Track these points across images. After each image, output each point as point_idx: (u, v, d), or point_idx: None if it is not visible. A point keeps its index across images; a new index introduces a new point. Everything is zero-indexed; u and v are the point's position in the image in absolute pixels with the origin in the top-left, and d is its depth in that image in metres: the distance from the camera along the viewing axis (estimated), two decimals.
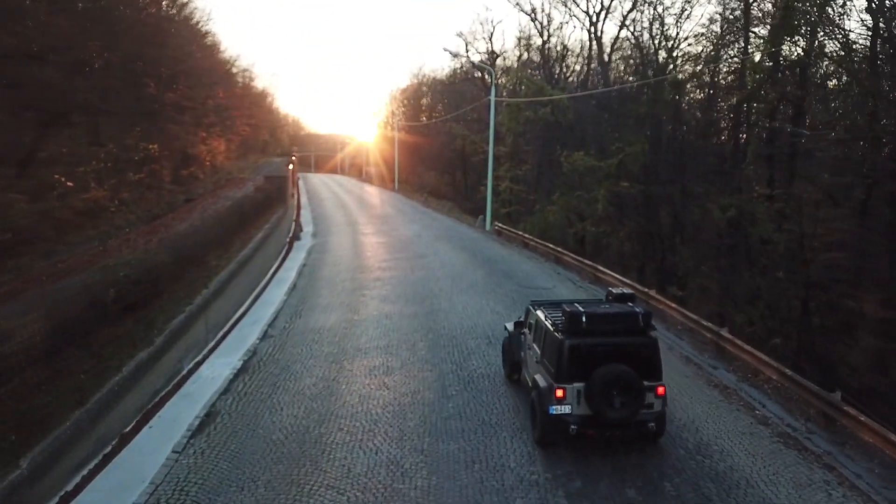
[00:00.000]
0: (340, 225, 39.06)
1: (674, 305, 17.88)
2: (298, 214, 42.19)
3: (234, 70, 75.53)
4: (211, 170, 43.51)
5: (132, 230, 24.04)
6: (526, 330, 12.19)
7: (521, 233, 31.44)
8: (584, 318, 10.06)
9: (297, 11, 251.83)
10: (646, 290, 19.12)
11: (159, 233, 23.06)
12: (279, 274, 24.77)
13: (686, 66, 32.81)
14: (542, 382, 10.43)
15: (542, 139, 41.84)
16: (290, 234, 32.99)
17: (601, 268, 22.51)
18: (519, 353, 12.51)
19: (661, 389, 10.04)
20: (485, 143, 51.16)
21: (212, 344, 16.50)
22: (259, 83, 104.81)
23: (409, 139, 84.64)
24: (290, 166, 38.25)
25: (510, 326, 13.22)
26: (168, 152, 32.44)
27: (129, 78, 27.62)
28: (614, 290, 12.05)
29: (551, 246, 27.03)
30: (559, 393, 9.89)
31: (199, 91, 39.22)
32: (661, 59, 35.82)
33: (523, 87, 36.92)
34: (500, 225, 34.33)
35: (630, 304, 11.19)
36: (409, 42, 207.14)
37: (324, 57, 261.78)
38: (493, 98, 34.99)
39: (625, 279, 20.67)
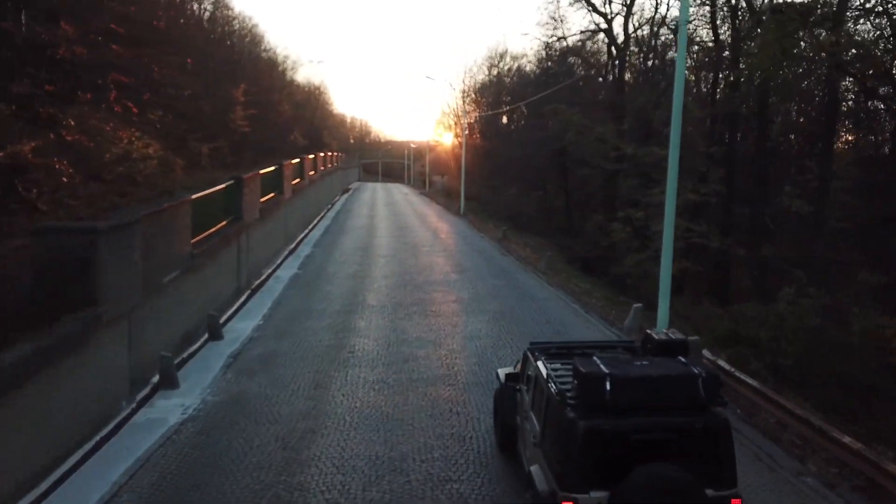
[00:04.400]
0: (331, 311, 18.56)
1: None
2: (255, 290, 22.06)
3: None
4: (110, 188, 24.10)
5: None
6: (523, 386, 8.12)
7: (803, 413, 9.70)
8: (608, 384, 5.98)
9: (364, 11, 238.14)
10: None
11: None
12: None
13: None
14: (540, 483, 6.42)
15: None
16: (146, 389, 12.78)
17: None
18: (514, 416, 8.47)
19: (735, 502, 5.91)
20: (623, 140, 29.44)
21: None
22: (301, 75, 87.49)
23: (485, 145, 66.54)
24: (235, 182, 18.34)
25: (502, 375, 9.21)
26: None
27: None
28: (655, 335, 7.14)
29: None
30: None
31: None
32: None
33: None
34: (713, 357, 12.67)
35: (682, 358, 6.60)
36: (487, 28, 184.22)
37: (395, 59, 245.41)
38: (683, 29, 13.49)
39: None
